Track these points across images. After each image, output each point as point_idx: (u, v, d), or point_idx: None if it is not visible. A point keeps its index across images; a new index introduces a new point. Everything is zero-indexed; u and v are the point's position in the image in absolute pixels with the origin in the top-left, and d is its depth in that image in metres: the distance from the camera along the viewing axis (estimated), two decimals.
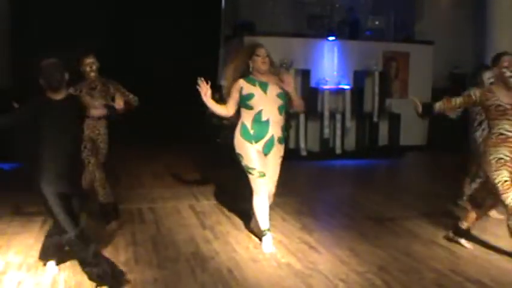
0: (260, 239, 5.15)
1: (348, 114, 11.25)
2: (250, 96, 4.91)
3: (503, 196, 4.54)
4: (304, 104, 10.68)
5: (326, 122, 11.07)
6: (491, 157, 4.62)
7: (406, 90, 12.16)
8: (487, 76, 5.84)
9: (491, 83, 5.77)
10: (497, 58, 4.76)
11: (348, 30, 12.13)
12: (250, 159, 4.97)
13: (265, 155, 5.03)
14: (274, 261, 4.78)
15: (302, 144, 10.89)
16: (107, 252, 4.93)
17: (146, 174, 8.62)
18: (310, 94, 11.09)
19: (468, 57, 11.18)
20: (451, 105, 4.85)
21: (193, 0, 13.80)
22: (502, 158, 4.58)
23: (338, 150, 11.16)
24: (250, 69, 4.97)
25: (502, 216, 5.99)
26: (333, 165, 10.54)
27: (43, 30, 12.50)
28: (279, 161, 5.14)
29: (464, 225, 5.13)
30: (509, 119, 4.59)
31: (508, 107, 4.58)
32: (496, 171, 4.58)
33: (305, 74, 11.07)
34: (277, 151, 5.08)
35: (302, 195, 7.43)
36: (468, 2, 12.17)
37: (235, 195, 6.11)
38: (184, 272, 4.53)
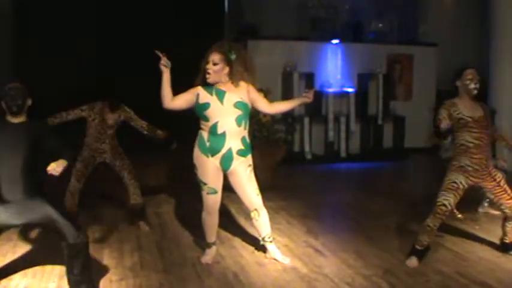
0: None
1: (352, 117, 11.25)
2: (206, 106, 4.45)
3: (432, 215, 4.75)
4: (308, 108, 10.86)
5: (330, 125, 11.07)
6: (447, 178, 4.77)
7: (410, 93, 12.17)
8: None
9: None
10: (461, 72, 4.78)
11: (352, 33, 12.15)
12: (204, 173, 4.58)
13: (226, 170, 4.59)
14: (279, 265, 4.77)
15: (307, 148, 10.89)
16: (113, 257, 4.95)
17: (150, 178, 8.62)
18: (315, 97, 11.04)
19: (472, 59, 11.18)
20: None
21: (197, 5, 13.83)
22: (455, 183, 4.70)
23: (343, 153, 11.16)
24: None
25: (497, 212, 6.00)
26: (337, 168, 10.53)
27: (45, 34, 12.59)
28: (247, 173, 4.63)
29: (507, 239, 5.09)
30: (469, 131, 4.67)
31: (469, 119, 4.66)
32: (443, 191, 4.74)
33: (309, 77, 11.08)
34: (242, 164, 4.59)
35: (307, 199, 7.42)
36: (471, 4, 12.15)
37: (239, 199, 6.10)
38: (190, 276, 4.53)
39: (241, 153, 4.57)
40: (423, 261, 4.85)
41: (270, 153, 8.35)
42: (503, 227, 5.03)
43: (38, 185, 4.02)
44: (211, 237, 4.93)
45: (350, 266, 4.75)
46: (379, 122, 11.44)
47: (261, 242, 4.94)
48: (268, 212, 6.57)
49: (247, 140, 4.64)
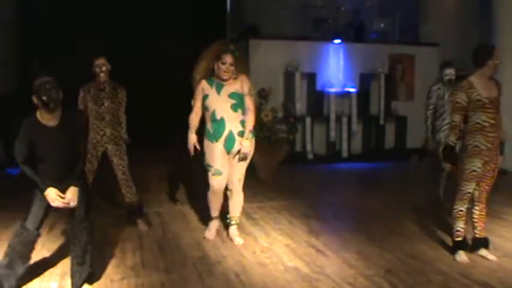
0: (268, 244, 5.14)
1: (354, 117, 11.23)
2: (206, 97, 5.11)
3: (457, 202, 4.90)
4: (310, 108, 10.87)
5: (332, 125, 11.06)
6: (465, 167, 4.79)
7: (412, 93, 12.14)
8: (447, 72, 6.89)
9: (449, 80, 6.84)
10: (491, 51, 4.81)
11: (354, 33, 12.13)
12: (211, 156, 5.14)
13: (229, 151, 5.14)
14: (281, 265, 4.77)
15: (308, 148, 10.88)
16: (114, 257, 4.95)
17: (152, 177, 8.62)
18: (316, 97, 11.10)
19: None
20: (460, 128, 4.81)
21: (199, 5, 13.83)
22: (475, 171, 4.76)
23: (344, 154, 11.14)
24: (215, 72, 5.11)
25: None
26: (339, 168, 10.52)
27: (45, 34, 12.60)
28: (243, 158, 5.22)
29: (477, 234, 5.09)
30: (485, 112, 4.71)
31: (486, 100, 4.70)
32: (465, 181, 4.82)
33: (311, 77, 11.07)
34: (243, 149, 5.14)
35: (309, 199, 7.42)
36: (473, 4, 12.13)
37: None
38: (191, 276, 4.53)
39: (242, 134, 5.11)
40: (424, 261, 4.85)
41: (271, 153, 8.36)
42: (473, 216, 5.01)
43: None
44: (215, 212, 5.47)
45: (352, 266, 4.75)
46: (381, 122, 11.42)
47: (227, 221, 5.49)
48: (270, 211, 6.63)
49: (242, 122, 5.14)
